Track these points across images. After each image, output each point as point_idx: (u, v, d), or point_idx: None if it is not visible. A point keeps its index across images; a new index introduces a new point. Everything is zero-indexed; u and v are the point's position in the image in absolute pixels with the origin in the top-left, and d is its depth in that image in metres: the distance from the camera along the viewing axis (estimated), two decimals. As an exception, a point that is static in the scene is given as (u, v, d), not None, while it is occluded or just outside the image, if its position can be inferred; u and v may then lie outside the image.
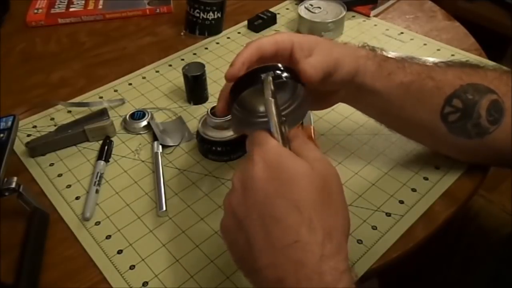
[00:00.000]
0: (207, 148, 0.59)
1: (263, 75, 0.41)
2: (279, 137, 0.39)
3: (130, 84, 0.74)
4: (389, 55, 0.51)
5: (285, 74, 0.41)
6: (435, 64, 0.52)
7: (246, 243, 0.36)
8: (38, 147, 0.61)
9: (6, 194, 0.49)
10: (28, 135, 0.64)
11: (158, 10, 0.92)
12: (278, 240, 0.35)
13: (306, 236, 0.34)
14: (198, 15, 0.81)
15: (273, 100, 0.40)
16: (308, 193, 0.35)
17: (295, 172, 0.36)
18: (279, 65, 0.42)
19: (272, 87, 0.40)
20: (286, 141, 0.39)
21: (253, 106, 0.45)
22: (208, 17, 0.81)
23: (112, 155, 0.61)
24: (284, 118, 0.41)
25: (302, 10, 0.83)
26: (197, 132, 0.60)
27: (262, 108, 0.45)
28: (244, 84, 0.42)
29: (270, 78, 0.41)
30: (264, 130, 0.40)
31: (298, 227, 0.34)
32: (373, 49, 0.51)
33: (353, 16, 0.88)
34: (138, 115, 0.65)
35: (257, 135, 0.40)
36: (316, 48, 0.46)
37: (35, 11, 0.91)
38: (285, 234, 0.34)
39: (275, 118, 0.40)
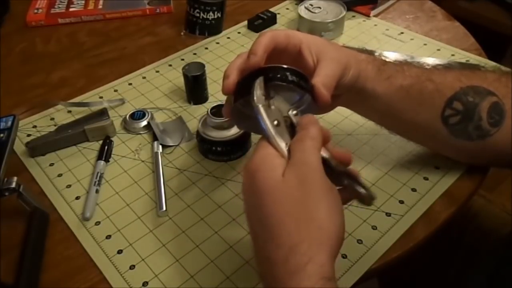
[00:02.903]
0: (207, 148, 0.59)
1: (255, 81, 0.41)
2: (275, 141, 0.39)
3: (130, 84, 0.74)
4: (388, 59, 0.51)
5: (293, 79, 0.41)
6: (434, 66, 0.52)
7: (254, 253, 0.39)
8: (38, 147, 0.61)
9: (6, 194, 0.49)
10: (28, 135, 0.64)
11: (158, 10, 0.92)
12: (258, 254, 0.37)
13: (272, 253, 0.35)
14: (198, 15, 0.81)
15: (260, 105, 0.40)
16: (274, 208, 0.35)
17: (265, 186, 0.36)
18: (288, 67, 0.42)
19: (259, 92, 0.40)
20: (286, 140, 0.39)
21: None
22: (208, 17, 0.81)
23: (112, 155, 0.61)
24: (277, 122, 0.40)
25: (302, 10, 0.83)
26: (197, 132, 0.60)
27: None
28: (247, 87, 0.42)
29: (258, 81, 0.41)
30: (262, 138, 0.40)
31: (267, 243, 0.35)
32: (371, 52, 0.51)
33: (353, 16, 0.88)
34: (138, 115, 0.65)
35: (257, 143, 0.40)
36: (324, 55, 0.46)
37: (35, 11, 0.91)
38: (261, 249, 0.36)
39: (267, 122, 0.39)
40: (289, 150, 0.38)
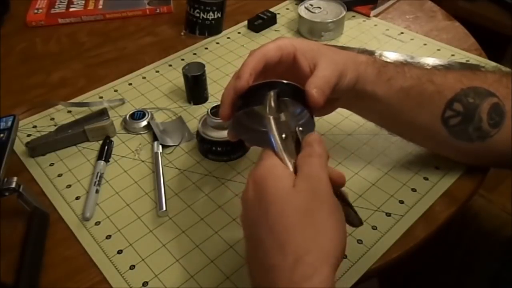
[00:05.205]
0: (207, 148, 0.59)
1: (267, 94, 0.41)
2: (282, 153, 0.39)
3: (130, 84, 0.74)
4: (389, 60, 0.51)
5: (290, 93, 0.42)
6: (435, 67, 0.52)
7: (247, 260, 0.38)
8: (38, 147, 0.61)
9: (6, 194, 0.49)
10: (28, 135, 0.64)
11: (158, 10, 0.92)
12: (261, 262, 0.36)
13: (279, 260, 0.34)
14: (198, 15, 0.81)
15: (271, 117, 0.40)
16: (283, 217, 0.35)
17: (274, 194, 0.36)
18: (287, 82, 0.42)
19: (273, 104, 0.41)
20: (291, 155, 0.39)
21: (256, 114, 0.44)
22: (208, 17, 0.81)
23: (112, 155, 0.61)
24: (284, 135, 0.40)
25: (302, 10, 0.83)
26: (197, 132, 0.60)
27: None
28: (253, 98, 0.42)
29: (272, 94, 0.41)
30: (267, 148, 0.40)
31: (273, 251, 0.35)
32: (372, 54, 0.51)
33: (353, 16, 0.88)
34: (138, 115, 0.65)
35: (261, 153, 0.40)
36: (320, 59, 0.46)
37: (35, 11, 0.91)
38: (265, 257, 0.35)
39: (276, 134, 0.40)
40: (294, 164, 0.39)
